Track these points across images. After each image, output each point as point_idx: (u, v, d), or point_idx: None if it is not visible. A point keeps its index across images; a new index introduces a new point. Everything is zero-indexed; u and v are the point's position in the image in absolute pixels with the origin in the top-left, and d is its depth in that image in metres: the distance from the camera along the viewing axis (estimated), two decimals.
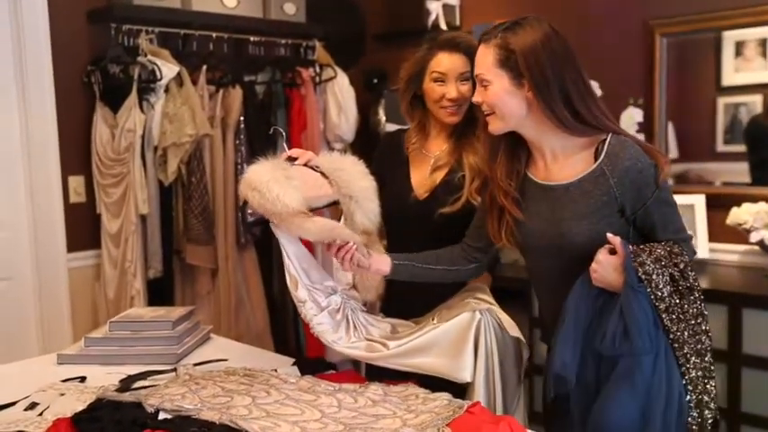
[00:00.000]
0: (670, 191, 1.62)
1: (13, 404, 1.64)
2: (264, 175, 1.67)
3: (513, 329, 1.82)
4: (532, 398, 2.94)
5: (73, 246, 3.19)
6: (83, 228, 3.21)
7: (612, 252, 1.52)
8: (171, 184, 3.18)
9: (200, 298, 3.35)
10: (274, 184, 1.65)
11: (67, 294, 3.18)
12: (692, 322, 1.50)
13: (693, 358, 1.49)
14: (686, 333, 1.49)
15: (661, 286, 1.47)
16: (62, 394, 1.69)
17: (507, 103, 1.59)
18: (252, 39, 3.61)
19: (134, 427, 1.38)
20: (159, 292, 3.21)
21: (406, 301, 1.96)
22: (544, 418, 1.84)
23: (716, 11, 2.93)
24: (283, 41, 3.73)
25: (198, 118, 3.12)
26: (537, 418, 2.39)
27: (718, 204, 2.91)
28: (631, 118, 3.15)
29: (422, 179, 2.02)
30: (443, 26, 3.69)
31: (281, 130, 1.96)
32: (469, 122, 1.96)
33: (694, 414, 1.49)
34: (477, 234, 1.81)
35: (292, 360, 1.94)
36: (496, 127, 1.64)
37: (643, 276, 1.47)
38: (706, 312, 1.53)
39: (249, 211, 3.27)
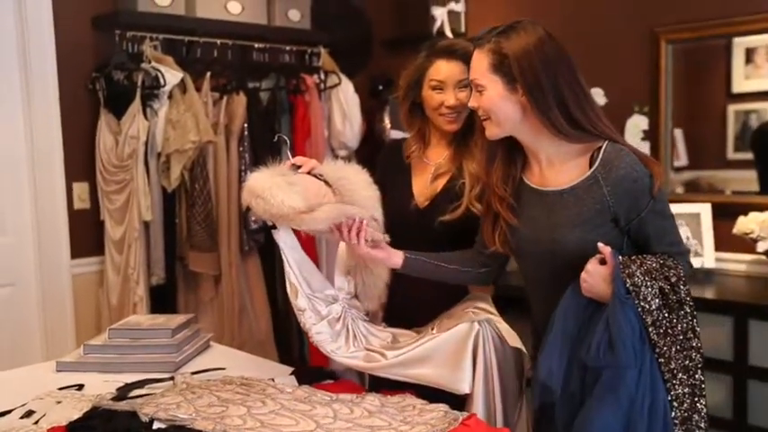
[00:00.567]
0: (666, 202, 1.59)
1: (9, 412, 1.63)
2: (266, 182, 1.67)
3: (514, 340, 1.80)
4: None
5: (77, 252, 3.19)
6: (87, 234, 3.21)
7: (603, 262, 1.50)
8: (174, 190, 3.18)
9: (204, 305, 3.34)
10: (277, 189, 1.64)
11: (71, 301, 3.18)
12: (681, 338, 1.47)
13: (680, 374, 1.46)
14: (674, 348, 1.46)
15: (649, 299, 1.45)
16: (59, 402, 1.68)
17: (502, 108, 1.58)
18: (256, 45, 3.61)
19: None
20: (162, 299, 3.20)
21: (408, 310, 1.94)
22: (533, 427, 1.82)
23: (722, 18, 2.91)
24: (288, 48, 3.73)
25: (201, 124, 3.12)
26: None
27: (726, 213, 2.88)
28: (637, 126, 3.13)
29: (423, 187, 2.01)
30: (448, 33, 3.69)
31: (286, 138, 1.95)
32: (469, 130, 1.95)
33: None
34: (484, 240, 1.80)
35: (291, 369, 1.93)
36: (492, 132, 1.63)
37: (631, 288, 1.44)
38: (698, 328, 1.50)
39: (252, 219, 3.30)
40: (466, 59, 1.87)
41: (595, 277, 1.49)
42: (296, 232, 1.78)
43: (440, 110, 1.94)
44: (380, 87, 3.96)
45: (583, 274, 1.51)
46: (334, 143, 3.77)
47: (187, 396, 1.56)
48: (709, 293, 2.70)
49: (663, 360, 1.45)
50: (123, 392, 1.70)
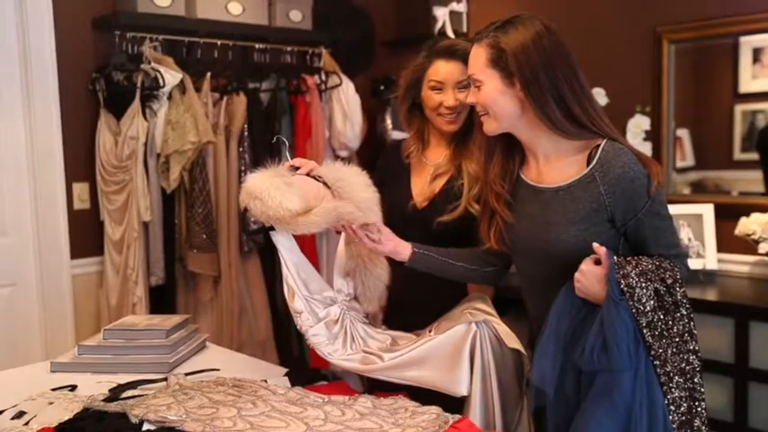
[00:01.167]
0: (664, 204, 1.57)
1: (0, 413, 1.62)
2: (264, 183, 1.66)
3: (512, 341, 1.78)
4: None
5: (77, 252, 3.19)
6: (87, 234, 3.21)
7: (598, 262, 1.48)
8: (174, 191, 3.17)
9: (203, 306, 3.34)
10: (275, 191, 1.63)
11: (71, 301, 3.18)
12: (677, 340, 1.45)
13: (677, 377, 1.44)
14: (669, 351, 1.43)
15: (644, 300, 1.42)
16: (51, 403, 1.67)
17: (499, 104, 1.57)
18: (257, 46, 3.61)
19: None
20: (162, 300, 3.20)
21: (408, 312, 1.93)
22: (534, 429, 1.80)
23: (724, 17, 2.88)
24: (289, 49, 3.72)
25: (200, 125, 3.11)
26: None
27: (730, 214, 2.86)
28: (638, 126, 3.10)
29: (422, 188, 2.00)
30: (450, 33, 3.67)
31: (284, 139, 1.94)
32: (469, 130, 1.94)
33: None
34: (481, 237, 1.78)
35: (285, 370, 1.91)
36: (490, 128, 1.62)
37: (625, 289, 1.42)
38: (695, 331, 1.47)
39: (252, 219, 3.29)
40: (466, 60, 1.85)
41: (589, 277, 1.47)
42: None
43: (439, 110, 1.93)
44: (382, 88, 3.94)
45: (576, 275, 1.49)
46: (334, 144, 3.75)
47: (178, 397, 1.55)
48: (710, 295, 2.68)
49: (658, 362, 1.43)
50: (115, 393, 1.69)
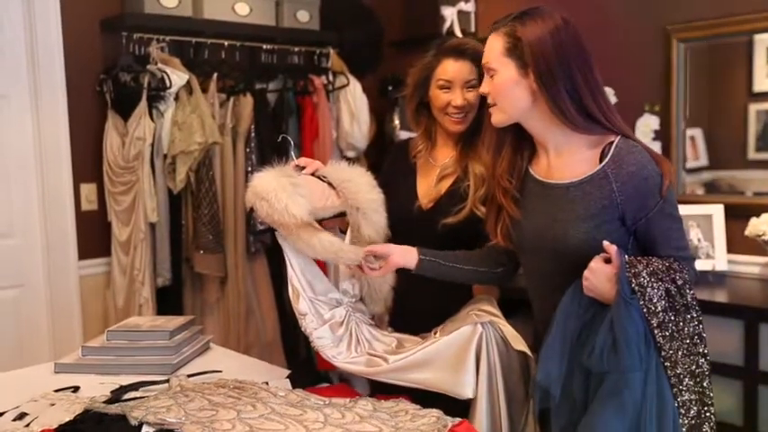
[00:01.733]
0: (675, 205, 1.54)
1: (1, 414, 1.62)
2: (270, 183, 1.66)
3: (518, 342, 1.76)
4: None
5: (84, 253, 3.20)
6: (94, 235, 3.22)
7: (607, 261, 1.46)
8: (180, 192, 3.17)
9: (210, 307, 3.33)
10: (282, 192, 1.63)
11: (78, 302, 3.19)
12: (688, 342, 1.42)
13: (687, 380, 1.42)
14: (680, 352, 1.41)
15: (655, 300, 1.40)
16: (52, 404, 1.67)
17: (511, 93, 1.55)
18: (264, 47, 3.61)
19: None
20: (168, 301, 3.20)
21: (413, 314, 1.92)
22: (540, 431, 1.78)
23: (737, 15, 2.85)
24: (296, 49, 3.72)
25: (207, 126, 3.11)
26: None
27: (742, 214, 2.82)
28: (648, 125, 3.07)
29: (428, 188, 1.99)
30: (458, 33, 3.65)
31: (290, 139, 1.93)
32: (476, 131, 1.92)
33: None
34: (488, 233, 1.76)
35: (287, 372, 1.91)
36: (498, 119, 1.60)
37: (636, 288, 1.40)
38: (705, 335, 1.45)
39: (259, 220, 3.29)
40: (475, 59, 1.84)
41: (599, 276, 1.45)
42: None
43: (447, 110, 1.92)
44: (390, 88, 3.93)
45: (586, 273, 1.47)
46: (342, 144, 3.75)
47: (179, 399, 1.54)
48: (720, 296, 2.64)
49: (669, 364, 1.41)
50: (117, 395, 1.69)
